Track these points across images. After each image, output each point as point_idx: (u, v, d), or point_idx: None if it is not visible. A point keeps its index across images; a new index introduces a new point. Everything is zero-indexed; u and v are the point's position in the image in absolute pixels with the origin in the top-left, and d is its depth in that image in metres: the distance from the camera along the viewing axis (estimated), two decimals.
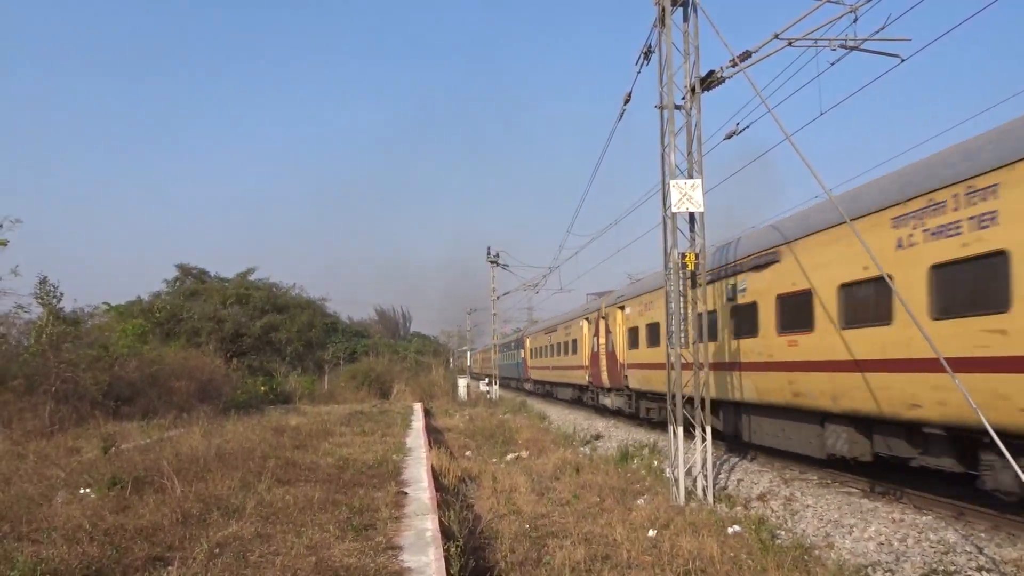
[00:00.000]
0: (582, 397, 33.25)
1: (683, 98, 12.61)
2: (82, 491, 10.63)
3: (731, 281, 15.19)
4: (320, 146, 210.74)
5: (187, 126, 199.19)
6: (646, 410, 22.71)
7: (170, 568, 7.01)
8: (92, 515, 8.94)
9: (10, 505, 9.66)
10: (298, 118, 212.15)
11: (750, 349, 14.42)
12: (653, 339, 20.99)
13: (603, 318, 27.21)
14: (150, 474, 11.45)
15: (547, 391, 44.02)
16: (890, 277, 9.52)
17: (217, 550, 7.67)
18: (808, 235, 12.73)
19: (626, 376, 23.98)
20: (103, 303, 37.26)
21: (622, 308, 24.49)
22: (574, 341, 33.12)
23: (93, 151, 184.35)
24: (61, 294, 21.31)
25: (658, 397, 21.00)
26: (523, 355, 49.66)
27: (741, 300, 14.81)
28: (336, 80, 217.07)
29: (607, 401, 27.40)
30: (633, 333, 22.95)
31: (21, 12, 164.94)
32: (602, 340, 27.10)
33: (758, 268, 14.13)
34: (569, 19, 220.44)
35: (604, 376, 26.91)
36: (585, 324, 30.89)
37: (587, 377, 30.43)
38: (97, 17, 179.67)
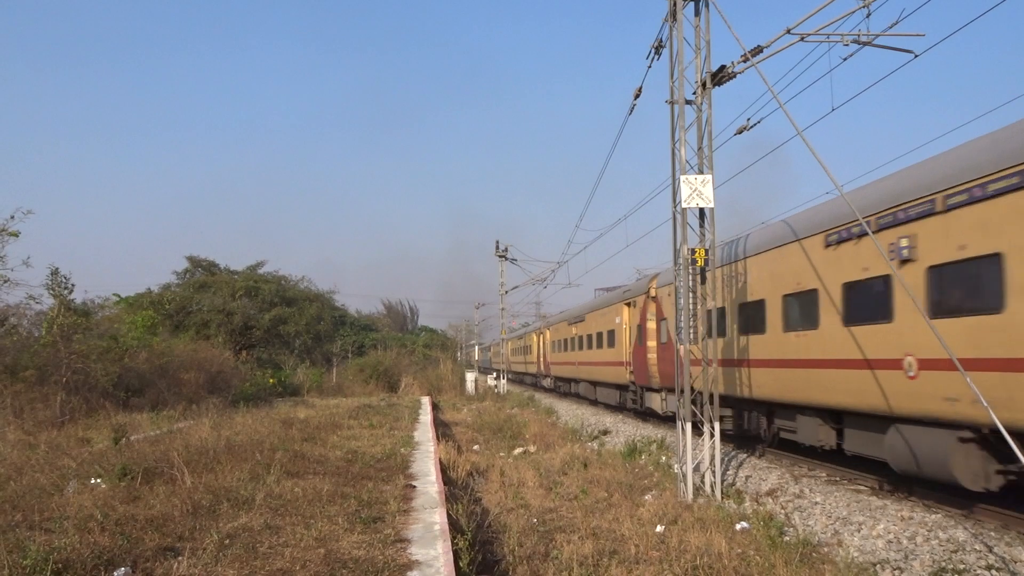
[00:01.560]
0: None
1: (694, 93, 12.56)
2: (93, 481, 10.71)
3: None
4: (323, 146, 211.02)
5: (192, 119, 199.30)
6: None
7: (180, 558, 7.05)
8: (103, 505, 9.00)
9: (22, 495, 9.74)
10: (303, 118, 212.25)
11: None
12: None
13: None
14: (160, 465, 11.52)
15: None
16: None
17: (227, 541, 7.71)
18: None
19: None
20: (113, 294, 37.59)
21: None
22: None
23: (102, 141, 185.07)
24: (72, 285, 21.42)
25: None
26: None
27: None
28: (337, 79, 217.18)
29: None
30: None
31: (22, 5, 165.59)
32: None
33: None
34: (577, 12, 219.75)
35: None
36: None
37: None
38: (100, 7, 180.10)
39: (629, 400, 26.26)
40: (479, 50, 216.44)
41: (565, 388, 39.74)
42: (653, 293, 22.51)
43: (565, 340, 37.18)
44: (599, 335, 29.91)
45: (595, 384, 31.92)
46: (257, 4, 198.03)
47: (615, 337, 27.21)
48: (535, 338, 45.77)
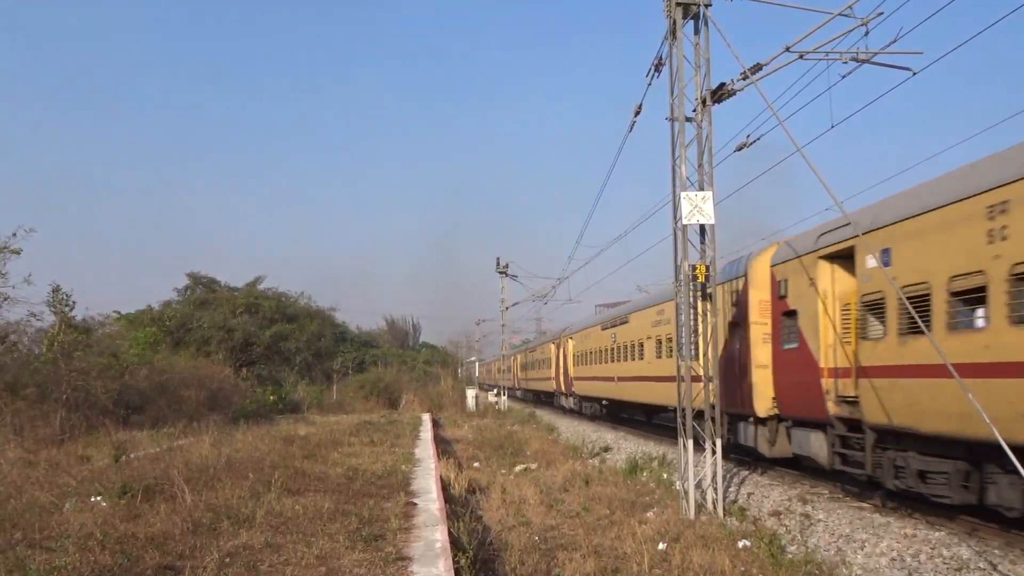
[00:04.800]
0: None
1: (694, 110, 12.63)
2: (93, 499, 10.68)
3: None
4: (323, 156, 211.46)
5: (193, 126, 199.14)
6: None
7: None
8: (103, 523, 8.98)
9: (22, 513, 9.71)
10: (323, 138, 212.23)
11: None
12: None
13: None
14: (160, 483, 11.50)
15: None
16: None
17: (227, 559, 7.69)
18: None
19: None
20: (114, 312, 37.62)
21: None
22: None
23: (103, 156, 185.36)
24: (74, 302, 21.45)
25: None
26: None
27: None
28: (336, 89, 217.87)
29: None
30: None
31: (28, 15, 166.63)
32: None
33: None
34: (570, 28, 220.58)
35: None
36: None
37: None
38: (107, 21, 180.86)
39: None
40: (478, 60, 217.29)
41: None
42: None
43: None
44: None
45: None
46: (260, 16, 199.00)
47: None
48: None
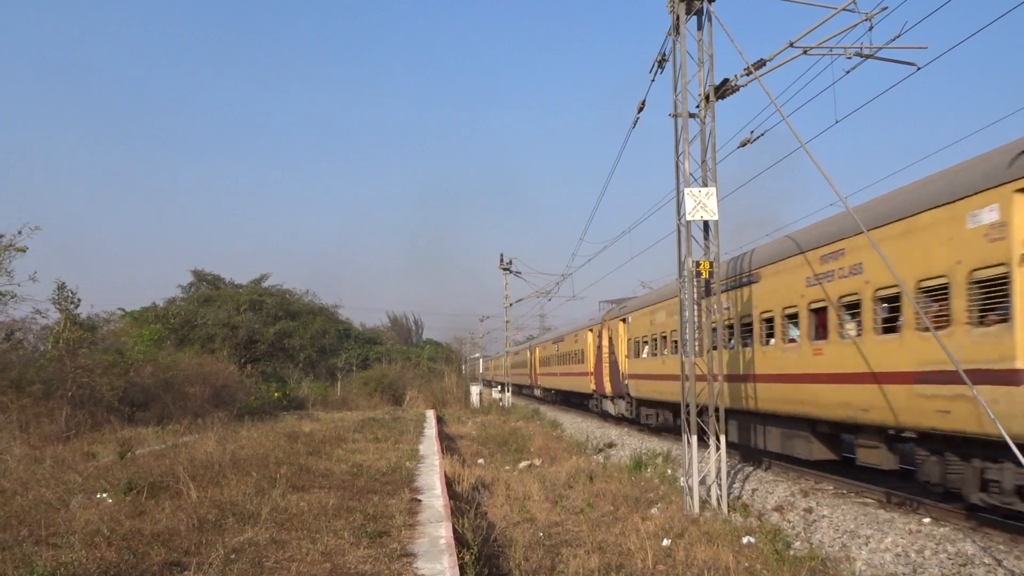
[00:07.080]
0: None
1: (697, 106, 12.61)
2: (99, 496, 10.72)
3: None
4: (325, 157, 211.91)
5: (194, 127, 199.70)
6: None
7: (187, 573, 7.06)
8: (109, 520, 9.01)
9: (28, 509, 9.75)
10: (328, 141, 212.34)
11: None
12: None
13: None
14: (166, 479, 11.53)
15: None
16: None
17: (233, 556, 7.71)
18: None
19: None
20: (118, 309, 37.70)
21: None
22: None
23: (105, 155, 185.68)
24: (78, 300, 21.51)
25: None
26: None
27: None
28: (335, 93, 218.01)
29: None
30: None
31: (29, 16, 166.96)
32: None
33: None
34: (575, 25, 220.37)
35: None
36: None
37: None
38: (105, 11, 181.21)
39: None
40: (480, 58, 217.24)
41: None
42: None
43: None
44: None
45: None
46: (263, 17, 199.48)
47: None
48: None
